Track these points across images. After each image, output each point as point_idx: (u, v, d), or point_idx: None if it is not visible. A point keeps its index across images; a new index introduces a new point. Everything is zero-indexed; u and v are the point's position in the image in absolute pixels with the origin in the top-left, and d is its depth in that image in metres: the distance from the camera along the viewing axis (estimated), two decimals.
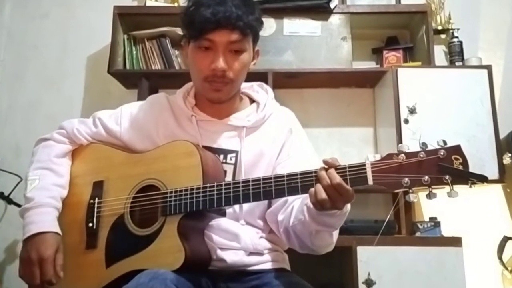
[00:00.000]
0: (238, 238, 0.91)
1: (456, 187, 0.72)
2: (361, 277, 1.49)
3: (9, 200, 1.74)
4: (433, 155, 0.73)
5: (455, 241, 1.54)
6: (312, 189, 0.77)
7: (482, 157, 1.65)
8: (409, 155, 0.74)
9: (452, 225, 1.71)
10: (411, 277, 1.49)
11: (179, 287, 0.77)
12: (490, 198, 1.84)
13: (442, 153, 0.73)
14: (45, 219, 0.88)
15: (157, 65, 1.84)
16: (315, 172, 0.78)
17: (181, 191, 0.85)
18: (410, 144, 0.76)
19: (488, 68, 1.76)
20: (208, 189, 0.84)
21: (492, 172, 1.63)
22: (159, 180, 0.89)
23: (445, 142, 0.74)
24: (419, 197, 0.77)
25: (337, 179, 0.75)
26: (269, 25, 1.83)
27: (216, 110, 0.97)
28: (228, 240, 0.90)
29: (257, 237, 0.94)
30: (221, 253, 0.89)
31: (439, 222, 1.64)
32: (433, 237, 1.59)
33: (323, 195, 0.75)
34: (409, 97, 1.71)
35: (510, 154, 1.68)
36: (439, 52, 1.99)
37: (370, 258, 1.50)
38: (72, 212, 0.95)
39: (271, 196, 0.82)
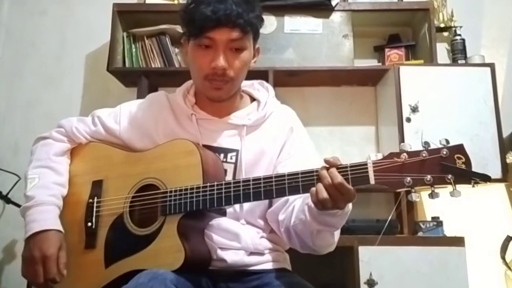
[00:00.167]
0: (238, 238, 0.90)
1: (459, 187, 0.72)
2: (363, 277, 1.49)
3: (7, 200, 1.73)
4: (435, 154, 0.73)
5: (458, 241, 1.53)
6: (313, 189, 0.77)
7: (485, 156, 1.64)
8: (411, 154, 0.74)
9: (455, 224, 1.71)
10: (413, 277, 1.49)
11: (179, 287, 0.76)
12: (493, 198, 1.83)
13: (444, 152, 0.73)
14: (46, 217, 0.88)
15: (156, 63, 1.83)
16: (316, 171, 0.78)
17: (181, 190, 0.85)
18: (412, 143, 0.76)
19: (491, 66, 1.75)
20: (208, 189, 0.83)
21: (495, 171, 1.62)
22: (158, 179, 0.89)
23: (447, 141, 0.74)
24: (422, 196, 0.77)
25: (339, 178, 0.75)
26: (270, 22, 1.82)
27: (216, 109, 0.97)
28: (228, 240, 0.90)
29: (257, 237, 0.93)
30: (222, 253, 0.89)
31: (441, 222, 1.63)
32: (435, 237, 1.59)
33: (324, 194, 0.75)
34: (411, 95, 1.70)
35: None
36: (442, 50, 1.97)
37: (372, 258, 1.50)
38: (71, 211, 0.94)
39: (272, 196, 0.82)
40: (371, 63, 1.98)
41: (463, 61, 1.89)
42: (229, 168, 0.93)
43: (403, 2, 1.94)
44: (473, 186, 0.72)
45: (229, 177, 0.92)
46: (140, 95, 1.75)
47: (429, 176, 0.72)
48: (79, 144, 1.02)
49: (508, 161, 1.67)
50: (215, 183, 0.83)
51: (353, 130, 1.96)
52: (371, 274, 1.49)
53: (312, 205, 0.79)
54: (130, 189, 0.91)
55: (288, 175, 0.80)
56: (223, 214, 0.90)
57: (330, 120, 1.97)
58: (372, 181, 0.75)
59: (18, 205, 1.66)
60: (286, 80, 1.87)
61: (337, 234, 0.89)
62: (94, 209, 0.93)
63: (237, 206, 0.91)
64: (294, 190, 0.79)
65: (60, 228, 0.88)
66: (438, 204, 1.70)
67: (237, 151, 0.94)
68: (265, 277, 0.88)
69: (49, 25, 2.07)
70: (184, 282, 0.79)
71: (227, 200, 0.83)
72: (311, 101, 1.98)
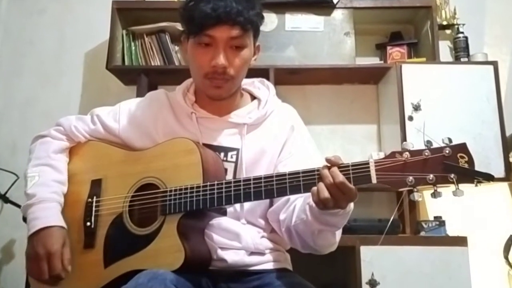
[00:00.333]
0: (239, 237, 0.89)
1: (462, 186, 0.72)
2: (365, 277, 1.48)
3: (5, 199, 1.72)
4: (438, 153, 0.72)
5: (461, 241, 1.53)
6: (314, 188, 0.76)
7: (488, 155, 1.63)
8: (413, 153, 0.74)
9: (458, 224, 1.70)
10: (415, 277, 1.48)
11: (179, 287, 0.76)
12: (496, 197, 1.83)
13: (447, 151, 0.72)
14: (49, 214, 0.87)
15: (156, 61, 1.83)
16: (318, 170, 0.77)
17: (180, 189, 0.84)
18: (415, 142, 0.76)
19: (494, 64, 1.74)
20: (208, 188, 0.83)
21: (498, 170, 1.62)
22: (158, 178, 0.88)
23: (450, 140, 0.74)
24: (424, 195, 0.77)
25: (340, 177, 0.74)
26: (271, 20, 1.81)
27: (217, 107, 0.96)
28: (228, 240, 0.89)
29: (258, 237, 0.92)
30: (222, 253, 0.88)
31: (444, 221, 1.63)
32: (438, 236, 1.58)
33: (325, 194, 0.74)
34: (413, 93, 1.70)
35: None
36: (444, 48, 1.97)
37: (373, 258, 1.49)
38: (70, 211, 0.93)
39: (272, 195, 0.81)
40: (373, 61, 1.98)
41: (466, 59, 1.88)
42: (230, 167, 0.92)
43: (405, 0, 1.93)
44: (476, 186, 0.72)
45: (229, 176, 0.91)
46: (139, 94, 1.74)
47: (431, 175, 0.72)
48: (78, 143, 1.01)
49: (511, 160, 1.66)
50: (215, 182, 0.83)
51: (354, 129, 1.96)
52: (373, 274, 1.48)
53: (313, 205, 0.78)
54: (129, 188, 0.90)
55: (289, 174, 0.79)
56: (224, 213, 0.90)
57: (332, 118, 1.96)
58: (374, 180, 0.74)
59: (16, 205, 1.66)
60: (287, 78, 1.86)
61: (338, 233, 0.88)
62: (93, 208, 0.92)
63: (237, 205, 0.91)
64: (295, 189, 0.79)
65: (63, 224, 0.88)
66: (441, 204, 1.69)
67: (237, 150, 0.93)
68: (266, 277, 0.88)
69: (47, 23, 2.06)
70: (184, 282, 0.78)
71: (228, 200, 0.82)
72: (312, 99, 1.98)
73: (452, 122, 1.66)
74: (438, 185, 0.72)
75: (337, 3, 1.84)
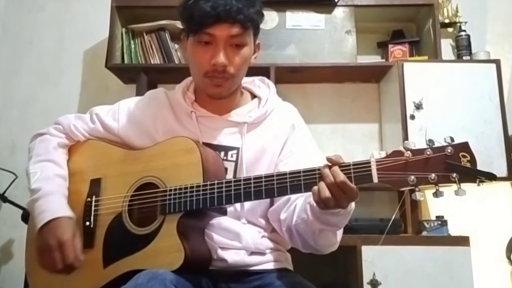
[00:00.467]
0: (239, 237, 0.89)
1: (464, 185, 0.71)
2: (366, 277, 1.47)
3: (4, 198, 1.70)
4: (440, 153, 0.72)
5: (463, 241, 1.52)
6: (315, 187, 0.75)
7: (490, 154, 1.62)
8: (415, 152, 0.73)
9: (460, 224, 1.69)
10: (417, 277, 1.47)
11: (179, 287, 0.75)
12: (499, 196, 1.82)
13: (449, 150, 0.72)
14: (56, 206, 0.87)
15: (156, 60, 1.82)
16: (319, 169, 0.77)
17: (180, 189, 0.83)
18: (416, 141, 0.75)
19: (497, 62, 1.73)
20: (208, 187, 0.82)
21: (500, 169, 1.61)
22: (158, 177, 0.88)
23: (452, 139, 0.73)
24: (426, 195, 0.76)
25: (341, 177, 0.74)
26: (271, 18, 1.80)
27: (216, 106, 0.96)
28: (229, 240, 0.89)
29: (259, 236, 0.92)
30: (222, 253, 0.88)
31: (446, 221, 1.62)
32: (440, 236, 1.57)
33: (326, 193, 0.74)
34: (415, 92, 1.69)
35: None
36: (446, 46, 1.95)
37: (375, 258, 1.49)
38: None
39: (273, 195, 0.81)
40: (375, 59, 1.97)
41: (468, 58, 1.87)
42: (230, 166, 0.92)
43: None
44: (478, 185, 0.71)
45: (229, 176, 0.91)
46: (139, 92, 1.74)
47: (433, 175, 0.71)
48: (77, 142, 1.01)
49: None
50: (216, 181, 0.82)
51: (356, 128, 1.95)
52: (374, 274, 1.47)
53: (314, 204, 0.78)
54: (129, 188, 0.89)
55: (290, 173, 0.79)
56: (224, 213, 0.89)
57: (333, 117, 1.95)
58: (375, 179, 0.74)
59: (15, 204, 1.65)
60: (287, 76, 1.85)
61: (339, 233, 0.88)
62: (92, 208, 0.92)
63: (238, 205, 0.90)
64: (296, 188, 0.78)
65: (72, 214, 0.87)
66: (443, 203, 1.68)
67: (237, 149, 0.93)
68: (267, 277, 0.87)
69: (46, 21, 2.05)
70: (184, 283, 0.78)
71: (228, 199, 0.81)
72: (313, 98, 1.97)
73: (454, 120, 1.65)
74: (440, 185, 0.72)
75: (338, 1, 1.83)
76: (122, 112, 0.99)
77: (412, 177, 0.72)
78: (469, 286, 1.47)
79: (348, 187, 0.73)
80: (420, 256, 1.49)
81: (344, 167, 0.75)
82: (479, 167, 0.71)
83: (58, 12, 2.06)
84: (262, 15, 0.92)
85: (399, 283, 1.47)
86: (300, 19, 1.83)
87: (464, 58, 1.87)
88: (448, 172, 0.71)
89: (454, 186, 0.71)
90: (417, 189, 0.73)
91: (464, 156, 0.71)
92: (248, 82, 1.02)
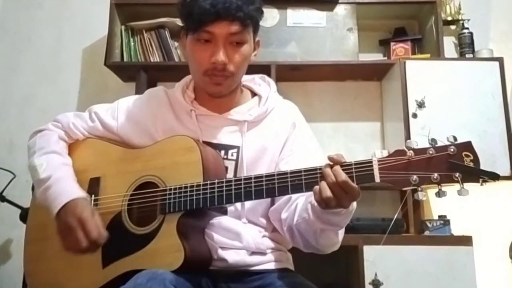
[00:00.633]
0: (240, 237, 0.88)
1: (467, 185, 0.71)
2: (368, 277, 1.47)
3: (2, 198, 1.69)
4: (442, 152, 0.71)
5: (465, 240, 1.51)
6: (316, 187, 0.75)
7: (493, 153, 1.61)
8: (417, 151, 0.73)
9: (462, 223, 1.68)
10: (419, 277, 1.47)
11: (178, 287, 0.75)
12: (502, 196, 1.81)
13: (452, 150, 0.71)
14: (70, 189, 0.87)
15: (155, 57, 1.81)
16: (320, 169, 0.76)
17: (180, 188, 0.83)
18: (419, 140, 0.75)
19: (500, 60, 1.72)
20: (208, 186, 0.81)
21: (503, 168, 1.60)
22: (157, 176, 0.87)
23: (455, 138, 0.72)
24: (428, 194, 0.75)
25: (343, 176, 0.73)
26: (272, 15, 1.79)
27: (216, 104, 0.95)
28: (229, 239, 0.88)
29: (259, 236, 0.91)
30: (222, 253, 0.87)
31: (448, 221, 1.61)
32: (442, 236, 1.57)
33: (328, 193, 0.73)
34: (417, 90, 1.68)
35: None
36: (449, 44, 1.94)
37: (377, 258, 1.48)
38: None
39: (274, 194, 0.80)
40: (376, 57, 1.96)
41: (471, 55, 1.86)
42: (230, 165, 0.91)
43: None
44: (482, 185, 0.70)
45: (230, 175, 0.90)
46: (138, 90, 1.73)
47: (436, 174, 0.71)
48: (76, 141, 1.00)
49: None
50: (216, 181, 0.82)
51: (357, 126, 1.94)
52: (376, 274, 1.47)
53: (316, 204, 0.77)
54: (128, 187, 0.89)
55: (291, 172, 0.78)
56: (224, 212, 0.89)
57: (334, 116, 1.94)
58: (377, 179, 0.73)
59: (13, 203, 1.64)
60: (288, 74, 1.84)
61: (341, 233, 0.87)
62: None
63: (238, 204, 0.89)
64: (297, 188, 0.78)
65: (86, 195, 0.87)
66: (445, 203, 1.67)
67: (238, 147, 0.92)
68: (267, 277, 0.87)
69: (45, 19, 2.04)
70: (183, 283, 0.77)
71: (228, 199, 0.81)
72: (315, 96, 1.96)
73: (457, 119, 1.64)
74: (442, 184, 0.71)
75: None
76: (121, 110, 0.99)
77: (415, 176, 0.71)
78: (472, 286, 1.46)
79: (349, 187, 0.73)
80: (422, 256, 1.49)
81: (345, 167, 0.74)
82: (482, 166, 0.70)
83: (56, 10, 2.05)
84: (262, 12, 0.91)
85: (401, 283, 1.47)
86: (301, 17, 1.82)
87: (467, 56, 1.86)
88: (451, 171, 0.70)
89: (457, 186, 0.71)
90: (419, 188, 0.72)
91: (467, 156, 0.70)
92: (248, 80, 1.01)
